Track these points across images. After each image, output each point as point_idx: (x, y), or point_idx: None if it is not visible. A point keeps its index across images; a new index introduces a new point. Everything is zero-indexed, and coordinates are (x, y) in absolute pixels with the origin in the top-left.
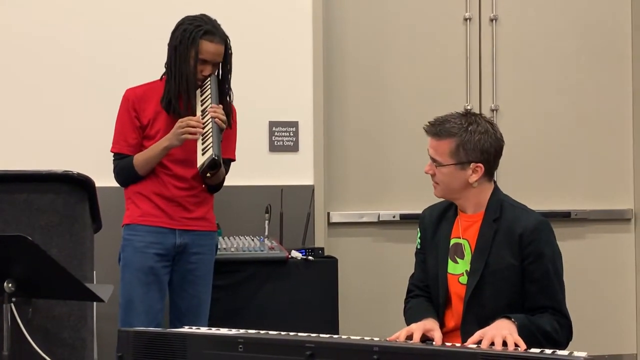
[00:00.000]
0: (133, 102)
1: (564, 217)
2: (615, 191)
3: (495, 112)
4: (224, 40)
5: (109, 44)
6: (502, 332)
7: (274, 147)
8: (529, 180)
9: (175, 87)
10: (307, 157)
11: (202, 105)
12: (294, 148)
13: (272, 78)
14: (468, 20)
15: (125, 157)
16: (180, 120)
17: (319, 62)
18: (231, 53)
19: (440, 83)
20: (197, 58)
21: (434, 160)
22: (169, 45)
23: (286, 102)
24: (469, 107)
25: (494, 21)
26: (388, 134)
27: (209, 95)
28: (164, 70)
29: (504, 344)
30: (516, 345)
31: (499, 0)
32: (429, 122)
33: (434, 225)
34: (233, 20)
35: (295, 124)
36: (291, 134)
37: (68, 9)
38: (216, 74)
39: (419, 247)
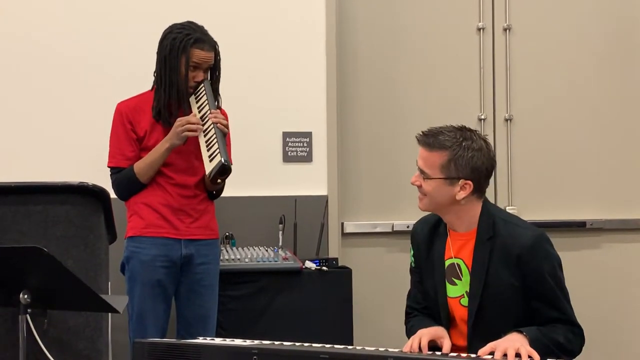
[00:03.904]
0: (127, 114)
1: (579, 226)
2: (631, 201)
3: (509, 121)
4: (214, 46)
5: (114, 52)
6: (514, 344)
7: (287, 158)
8: (544, 189)
9: (164, 97)
10: (320, 167)
11: (199, 112)
12: (308, 158)
13: (285, 89)
14: (481, 30)
15: (123, 171)
16: (178, 119)
17: (332, 73)
18: (220, 59)
19: (454, 93)
20: (188, 66)
21: (422, 172)
22: (158, 54)
23: (300, 113)
24: (483, 117)
25: (507, 31)
26: (401, 144)
27: (206, 102)
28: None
29: (518, 355)
30: (530, 357)
31: (512, 10)
32: (422, 132)
33: (427, 243)
34: (246, 31)
35: (308, 135)
36: (305, 145)
37: (66, 14)
38: (208, 79)
39: (413, 265)
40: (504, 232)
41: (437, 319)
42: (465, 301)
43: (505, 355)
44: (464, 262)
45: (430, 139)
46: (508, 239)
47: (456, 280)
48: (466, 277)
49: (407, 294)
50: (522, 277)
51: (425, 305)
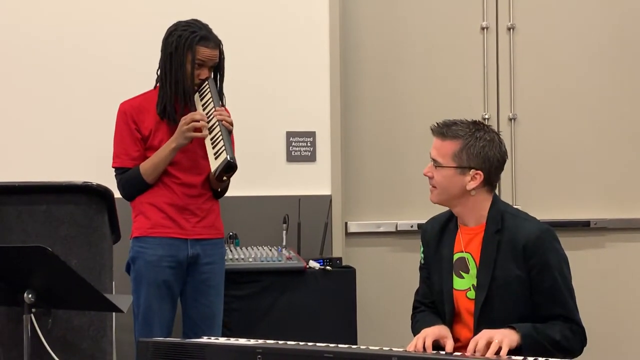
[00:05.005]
0: (131, 114)
1: (584, 226)
2: (635, 200)
3: (513, 121)
4: (218, 45)
5: (118, 51)
6: (496, 337)
7: (291, 157)
8: (548, 189)
9: (170, 94)
10: (324, 167)
11: (204, 110)
12: (312, 158)
13: (289, 88)
14: (485, 29)
15: (128, 171)
16: (183, 118)
17: (336, 72)
18: (224, 58)
19: (458, 92)
20: (194, 63)
21: (434, 161)
22: (163, 51)
23: (303, 113)
24: (486, 116)
25: (511, 30)
26: (405, 144)
27: (210, 99)
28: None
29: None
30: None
31: (516, 9)
32: (436, 123)
33: (436, 239)
34: (250, 31)
35: (312, 134)
36: (308, 144)
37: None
38: (212, 77)
39: (422, 262)
40: (512, 225)
41: (442, 314)
42: (471, 294)
43: (509, 353)
44: (472, 256)
45: (444, 128)
46: (515, 231)
47: (464, 274)
48: (473, 271)
49: (416, 290)
50: (527, 269)
51: (432, 301)
